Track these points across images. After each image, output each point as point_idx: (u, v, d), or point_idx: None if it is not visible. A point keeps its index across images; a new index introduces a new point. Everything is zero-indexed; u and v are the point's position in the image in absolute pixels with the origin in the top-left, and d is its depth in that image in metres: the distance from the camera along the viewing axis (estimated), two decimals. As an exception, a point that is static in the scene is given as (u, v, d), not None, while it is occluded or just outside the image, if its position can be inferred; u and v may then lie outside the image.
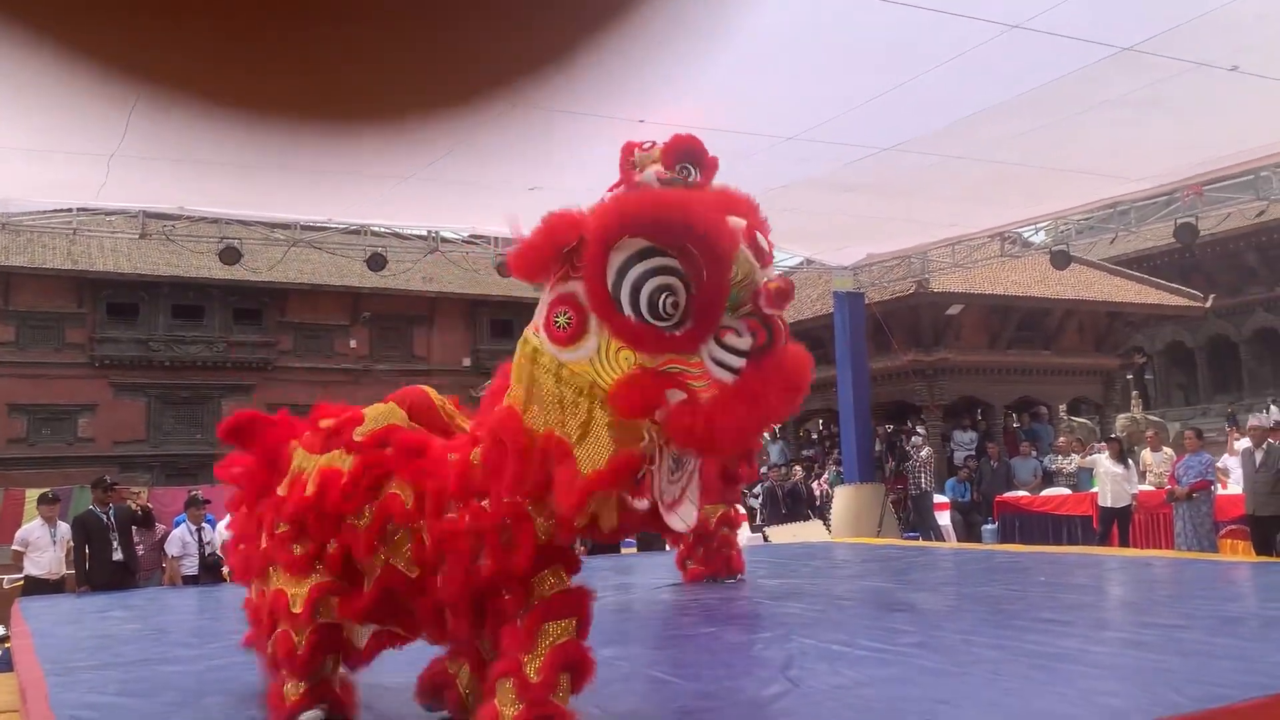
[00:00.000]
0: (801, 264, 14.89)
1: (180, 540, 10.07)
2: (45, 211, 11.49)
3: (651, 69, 7.00)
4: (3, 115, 7.60)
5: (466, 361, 31.61)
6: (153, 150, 8.45)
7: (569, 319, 2.80)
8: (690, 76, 7.20)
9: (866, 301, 14.74)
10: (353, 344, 30.13)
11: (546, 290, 2.89)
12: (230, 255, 12.07)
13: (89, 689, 4.27)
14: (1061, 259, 12.89)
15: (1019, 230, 13.93)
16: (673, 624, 5.65)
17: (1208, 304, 19.48)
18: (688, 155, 5.83)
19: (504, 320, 32.33)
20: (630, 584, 7.96)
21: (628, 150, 5.76)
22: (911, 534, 13.87)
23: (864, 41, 6.78)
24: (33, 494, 14.43)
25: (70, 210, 11.47)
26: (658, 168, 4.22)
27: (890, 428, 17.04)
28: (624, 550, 11.80)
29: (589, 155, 8.94)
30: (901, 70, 7.27)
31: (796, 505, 14.48)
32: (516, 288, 30.76)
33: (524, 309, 32.30)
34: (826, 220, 11.44)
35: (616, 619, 5.97)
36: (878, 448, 15.82)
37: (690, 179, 5.70)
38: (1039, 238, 15.07)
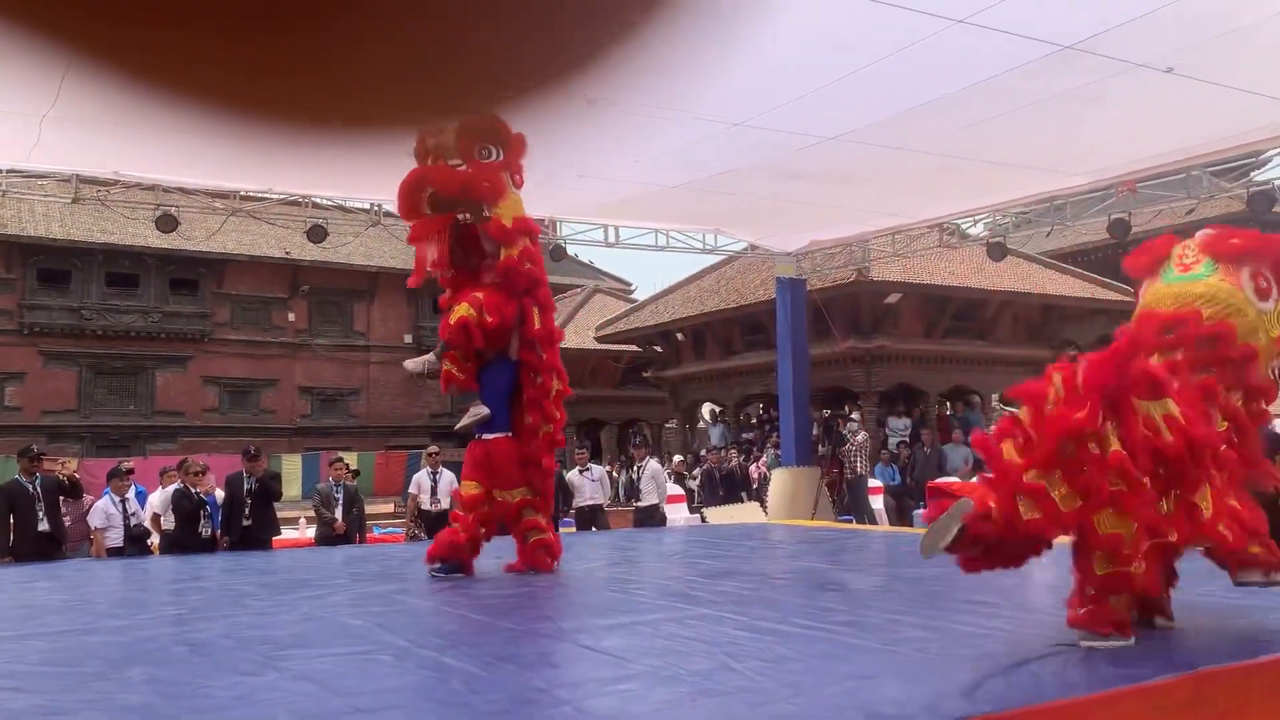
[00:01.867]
0: (745, 249, 14.99)
1: (104, 511, 9.88)
2: (-29, 172, 11.13)
3: (599, 47, 6.99)
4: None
5: (408, 338, 31.36)
6: (87, 112, 8.24)
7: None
8: (645, 59, 7.21)
9: (808, 288, 14.88)
10: (291, 317, 29.73)
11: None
12: (167, 223, 11.80)
13: (12, 658, 4.20)
14: (998, 251, 13.15)
15: (957, 222, 14.17)
16: (610, 602, 5.70)
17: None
18: (485, 136, 6.30)
19: (447, 297, 32.15)
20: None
21: (423, 136, 6.23)
22: (846, 517, 14.09)
23: (811, 33, 6.85)
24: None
25: (1, 171, 11.13)
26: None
27: (828, 413, 17.27)
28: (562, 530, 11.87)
29: (542, 134, 8.98)
30: (847, 62, 7.36)
31: (733, 487, 14.62)
32: (460, 265, 30.53)
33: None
34: (770, 206, 11.54)
35: (555, 594, 6.03)
36: (815, 432, 16.02)
37: (492, 157, 6.30)
38: (977, 230, 15.36)
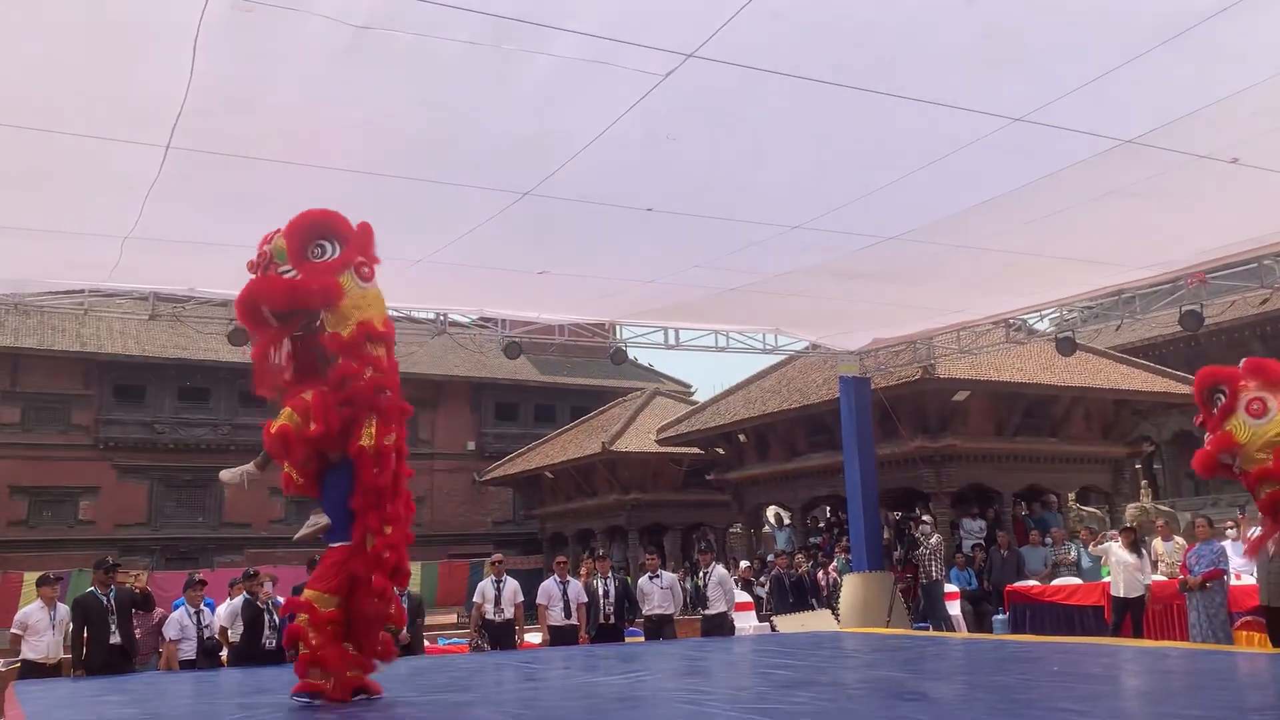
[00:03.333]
0: (807, 349, 14.93)
1: (178, 623, 9.94)
2: (57, 293, 11.58)
3: (660, 155, 7.14)
4: (18, 194, 7.73)
5: (470, 445, 31.56)
6: (166, 233, 8.57)
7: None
8: (697, 162, 7.34)
9: (873, 386, 14.71)
10: (357, 427, 30.13)
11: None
12: (239, 337, 12.10)
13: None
14: (1067, 346, 12.93)
15: (1024, 317, 13.99)
16: (683, 715, 5.52)
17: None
18: (315, 232, 5.78)
19: (509, 404, 32.39)
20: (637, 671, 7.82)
21: (262, 241, 5.84)
22: (921, 624, 13.64)
23: (868, 134, 6.92)
24: (31, 576, 14.28)
25: (82, 291, 11.57)
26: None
27: (899, 515, 16.87)
28: (629, 640, 11.65)
29: (600, 240, 9.13)
30: (906, 162, 7.40)
31: (803, 594, 14.26)
32: (521, 371, 30.91)
33: (528, 392, 32.45)
34: (832, 306, 11.52)
35: (623, 707, 5.87)
36: (886, 535, 15.64)
37: (326, 255, 5.67)
38: (1044, 325, 15.14)
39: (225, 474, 6.03)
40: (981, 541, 16.02)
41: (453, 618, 21.58)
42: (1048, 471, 18.29)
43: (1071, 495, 18.62)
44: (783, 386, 20.27)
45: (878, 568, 13.85)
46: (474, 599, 12.10)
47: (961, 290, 11.09)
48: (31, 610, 9.40)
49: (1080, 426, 18.80)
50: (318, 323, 5.78)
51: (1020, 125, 6.66)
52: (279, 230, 5.71)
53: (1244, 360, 8.05)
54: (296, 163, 7.03)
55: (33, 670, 9.04)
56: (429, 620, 15.08)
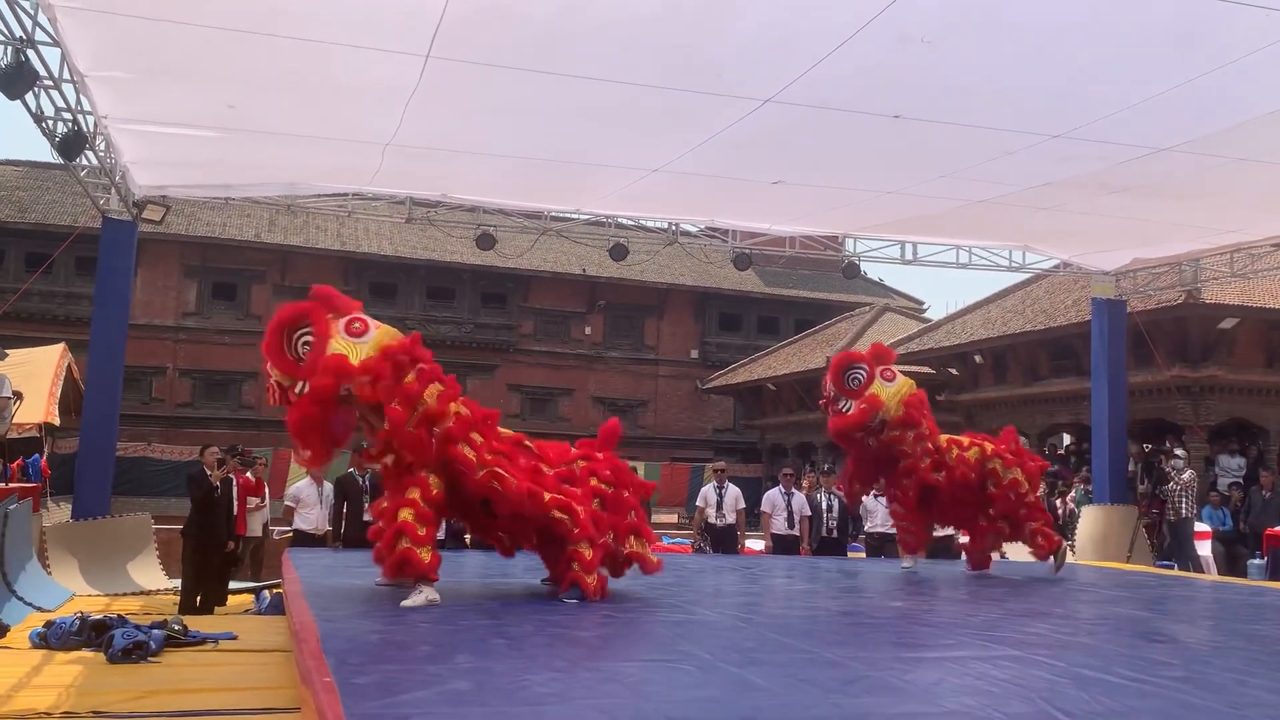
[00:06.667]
0: (1057, 267, 14.07)
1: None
2: (323, 195, 12.48)
3: (911, 59, 6.79)
4: (292, 101, 8.31)
5: (694, 353, 31.98)
6: (423, 140, 9.01)
7: None
8: (949, 66, 6.94)
9: (1129, 310, 13.76)
10: (588, 330, 31.15)
11: None
12: (486, 241, 12.72)
13: (354, 634, 4.61)
14: (1363, 272, 11.56)
15: (1310, 239, 12.58)
16: (913, 636, 5.48)
17: None
18: (288, 331, 5.77)
19: (733, 314, 32.48)
20: (857, 588, 7.81)
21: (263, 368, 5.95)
22: (1165, 562, 12.85)
23: (1154, 31, 6.30)
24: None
25: (345, 195, 12.42)
26: None
27: (1148, 447, 15.83)
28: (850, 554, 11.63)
29: (839, 150, 8.86)
30: (1187, 65, 6.70)
31: (1036, 522, 13.70)
32: (746, 282, 30.85)
33: (753, 303, 32.39)
34: (1089, 222, 10.76)
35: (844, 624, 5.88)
36: (1131, 468, 14.75)
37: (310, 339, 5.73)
38: (1334, 248, 13.56)
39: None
40: (1240, 480, 14.84)
41: (674, 518, 22.25)
42: (1324, 409, 16.59)
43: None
44: (1026, 307, 19.31)
45: (1121, 501, 13.16)
46: (696, 503, 12.36)
47: (1240, 208, 10.07)
48: (302, 486, 10.40)
49: (1367, 362, 16.87)
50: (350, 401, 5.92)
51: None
52: (264, 356, 5.83)
53: None
54: (546, 71, 7.16)
55: (303, 539, 10.02)
56: (654, 519, 15.59)
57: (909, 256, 13.35)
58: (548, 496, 5.86)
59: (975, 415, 21.27)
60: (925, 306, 32.68)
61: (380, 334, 5.92)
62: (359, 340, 5.81)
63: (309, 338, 5.75)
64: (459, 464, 5.75)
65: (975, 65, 6.89)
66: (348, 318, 5.88)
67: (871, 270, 35.22)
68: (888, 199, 10.33)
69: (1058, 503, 15.22)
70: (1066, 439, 20.13)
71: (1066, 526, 14.27)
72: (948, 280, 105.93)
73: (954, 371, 21.80)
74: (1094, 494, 13.59)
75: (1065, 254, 13.25)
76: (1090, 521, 12.97)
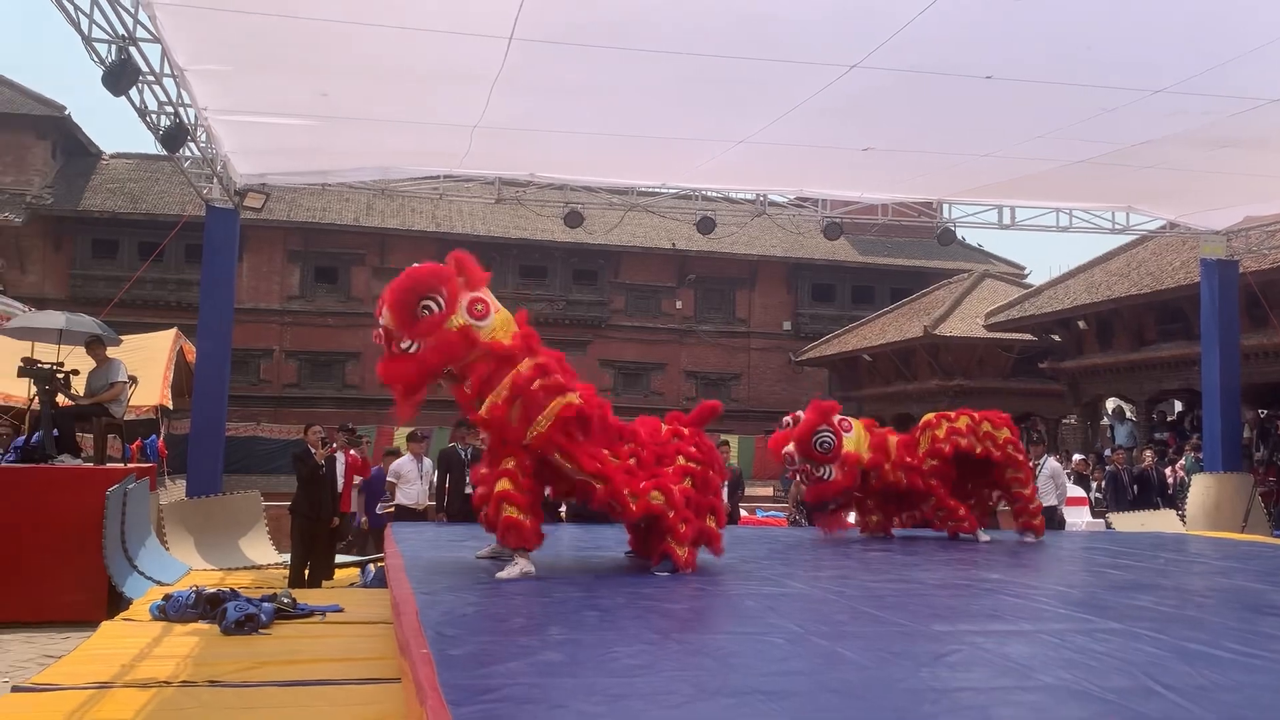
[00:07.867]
0: (1163, 228, 13.53)
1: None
2: (417, 178, 12.71)
3: (1002, 17, 6.59)
4: (384, 87, 8.47)
5: (787, 325, 31.72)
6: (510, 121, 9.11)
7: None
8: (1043, 22, 6.71)
9: (1241, 270, 13.16)
10: (678, 304, 31.13)
11: None
12: (574, 219, 12.80)
13: (450, 607, 4.73)
14: None
15: None
16: (1009, 608, 5.38)
17: None
18: (417, 295, 5.77)
19: (825, 284, 32.09)
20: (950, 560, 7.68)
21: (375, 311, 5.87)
22: (1283, 533, 12.33)
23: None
24: (401, 432, 16.20)
25: (437, 177, 12.63)
26: None
27: (1264, 413, 15.17)
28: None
29: (930, 114, 8.66)
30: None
31: (1145, 492, 13.29)
32: (839, 251, 30.42)
33: (846, 273, 31.94)
34: (1197, 180, 10.32)
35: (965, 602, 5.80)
36: (1246, 434, 14.16)
37: (434, 310, 5.72)
38: None
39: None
40: (1366, 448, 14.10)
41: (769, 490, 22.20)
42: None
43: None
44: (1132, 270, 18.62)
45: (1235, 469, 12.66)
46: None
47: (1364, 159, 9.53)
48: (403, 462, 10.68)
49: None
50: (453, 378, 5.98)
51: None
52: (384, 301, 5.81)
53: None
54: (626, 47, 7.16)
55: (405, 514, 10.31)
56: (747, 492, 15.58)
57: (1007, 221, 12.98)
58: (646, 494, 5.95)
59: (1080, 383, 20.66)
60: (1026, 272, 31.76)
61: (498, 319, 6.00)
62: (479, 323, 5.89)
63: (432, 303, 5.80)
64: (553, 468, 5.94)
65: (1068, 21, 6.65)
66: (470, 297, 5.95)
67: (969, 236, 34.32)
68: (982, 162, 10.06)
69: (1167, 471, 14.71)
70: (1178, 406, 19.42)
71: (1176, 495, 13.80)
72: (1049, 244, 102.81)
73: (1057, 338, 21.19)
74: (1205, 462, 13.09)
75: (1172, 213, 12.73)
76: (1201, 490, 12.51)
